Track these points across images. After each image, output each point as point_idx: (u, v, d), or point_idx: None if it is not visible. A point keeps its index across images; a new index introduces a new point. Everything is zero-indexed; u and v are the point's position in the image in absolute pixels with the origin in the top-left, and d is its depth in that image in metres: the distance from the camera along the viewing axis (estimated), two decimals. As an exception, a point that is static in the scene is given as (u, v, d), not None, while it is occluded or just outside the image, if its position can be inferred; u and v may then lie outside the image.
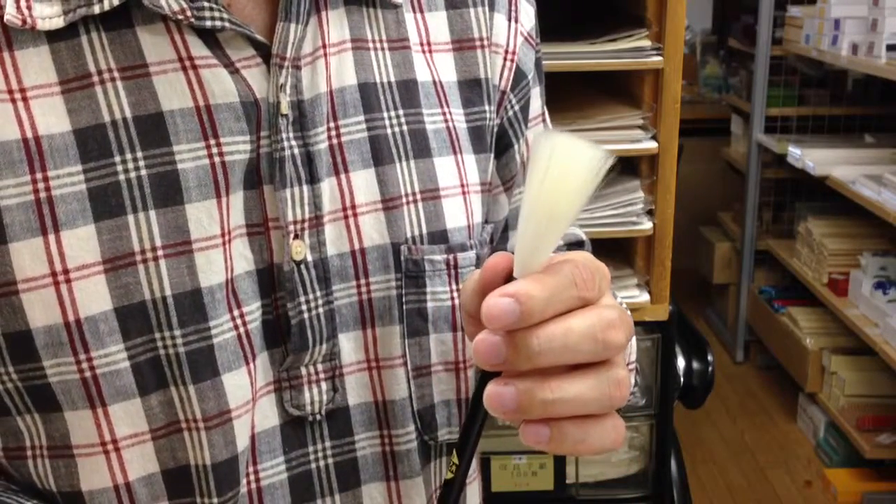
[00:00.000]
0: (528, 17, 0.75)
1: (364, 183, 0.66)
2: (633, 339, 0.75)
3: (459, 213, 0.70)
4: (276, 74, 0.62)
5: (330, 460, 0.68)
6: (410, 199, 0.67)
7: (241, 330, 0.62)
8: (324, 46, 0.65)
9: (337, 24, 0.66)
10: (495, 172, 0.76)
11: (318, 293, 0.64)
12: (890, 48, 2.85)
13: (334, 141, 0.65)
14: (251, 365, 0.63)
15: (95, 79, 0.59)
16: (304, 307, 0.64)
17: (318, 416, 0.67)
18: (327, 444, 0.68)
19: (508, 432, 1.64)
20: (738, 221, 3.96)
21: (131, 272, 0.59)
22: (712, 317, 4.31)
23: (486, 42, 0.72)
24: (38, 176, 0.57)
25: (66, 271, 0.58)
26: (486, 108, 0.72)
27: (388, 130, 0.67)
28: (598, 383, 0.50)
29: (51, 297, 0.58)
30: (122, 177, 0.59)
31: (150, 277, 0.59)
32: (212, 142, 0.60)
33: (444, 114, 0.70)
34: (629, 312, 0.73)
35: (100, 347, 0.59)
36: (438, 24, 0.71)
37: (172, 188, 0.59)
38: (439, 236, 0.68)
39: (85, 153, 0.58)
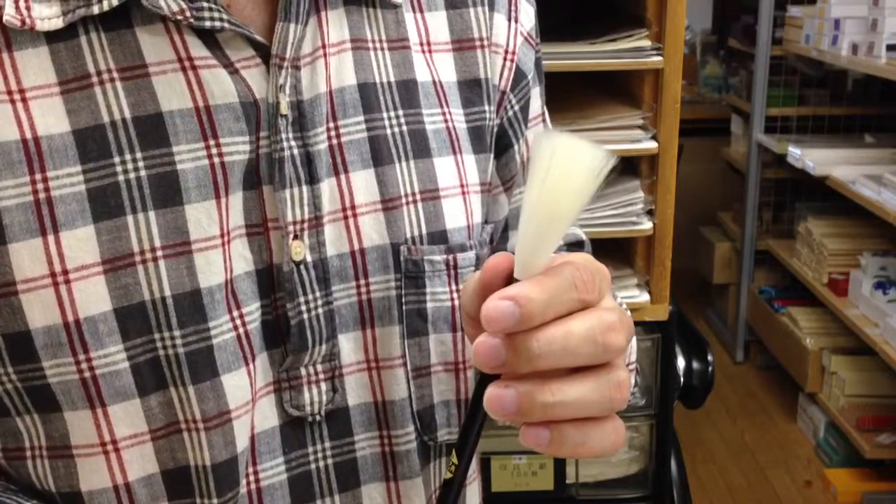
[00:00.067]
0: (527, 16, 0.75)
1: (364, 183, 0.66)
2: (634, 339, 0.75)
3: (459, 214, 0.70)
4: (275, 75, 0.62)
5: (329, 461, 0.68)
6: (410, 199, 0.67)
7: (241, 330, 0.62)
8: (323, 47, 0.65)
9: (336, 25, 0.66)
10: (495, 172, 0.75)
11: (318, 294, 0.64)
12: (890, 48, 2.85)
13: (334, 141, 0.65)
14: (251, 365, 0.63)
15: (95, 79, 0.58)
16: (303, 308, 0.64)
17: (317, 417, 0.67)
18: (327, 444, 0.68)
19: (508, 432, 1.64)
20: (738, 221, 3.96)
21: (131, 273, 0.59)
22: (712, 317, 4.31)
23: (485, 42, 0.72)
24: (38, 177, 0.57)
25: (65, 272, 0.58)
26: (486, 108, 0.72)
27: (388, 131, 0.67)
28: (599, 386, 0.50)
29: (50, 297, 0.58)
30: (121, 177, 0.59)
31: (150, 278, 0.59)
32: (211, 142, 0.60)
33: (443, 114, 0.70)
34: (629, 313, 0.73)
35: (99, 348, 0.59)
36: (438, 24, 0.71)
37: (172, 189, 0.59)
38: (439, 237, 0.68)
39: (84, 154, 0.58)
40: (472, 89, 0.71)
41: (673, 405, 1.74)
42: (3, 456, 0.64)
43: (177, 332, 0.60)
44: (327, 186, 0.64)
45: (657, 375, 1.69)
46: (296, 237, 0.63)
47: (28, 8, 0.57)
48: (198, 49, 0.60)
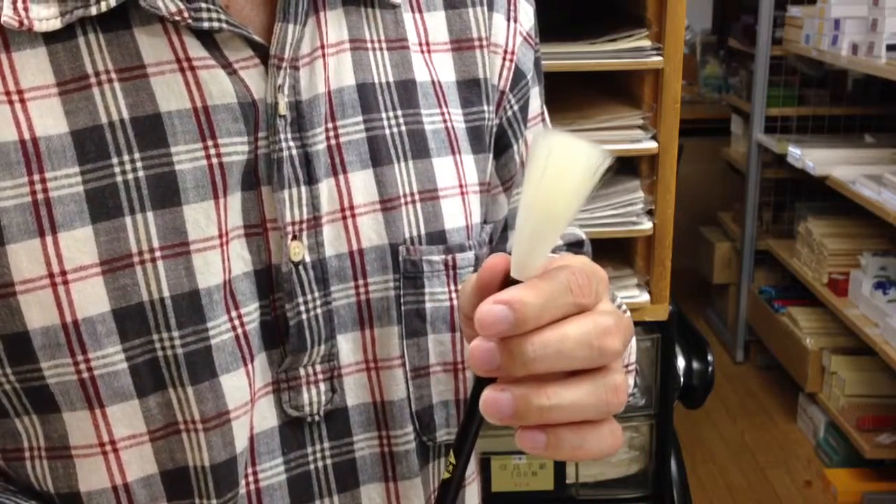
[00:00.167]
0: (527, 16, 0.75)
1: (362, 183, 0.66)
2: (633, 339, 0.75)
3: (458, 214, 0.70)
4: (273, 75, 0.62)
5: (328, 461, 0.68)
6: (409, 199, 0.67)
7: (240, 331, 0.62)
8: (322, 47, 0.64)
9: (335, 25, 0.66)
10: (494, 172, 0.75)
11: (317, 294, 0.64)
12: (890, 48, 2.85)
13: (332, 142, 0.65)
14: (249, 366, 0.63)
15: (93, 80, 0.58)
16: (302, 308, 0.64)
17: (316, 417, 0.67)
18: (326, 444, 0.68)
19: (508, 432, 1.64)
20: (738, 221, 3.96)
21: (129, 273, 0.59)
22: (712, 317, 4.31)
23: (484, 42, 0.72)
24: (36, 177, 0.57)
25: (63, 273, 0.58)
26: (485, 108, 0.72)
27: (387, 131, 0.67)
28: (595, 389, 0.50)
29: (48, 298, 0.58)
30: (119, 178, 0.59)
31: (148, 279, 0.59)
32: (209, 143, 0.60)
33: (442, 114, 0.70)
34: (629, 314, 0.73)
35: (97, 349, 0.59)
36: (437, 24, 0.71)
37: (170, 189, 0.59)
38: (438, 237, 0.68)
39: (82, 155, 0.58)
40: (471, 89, 0.71)
41: (673, 405, 1.74)
42: (1, 457, 0.64)
43: (175, 333, 0.60)
44: (326, 187, 0.64)
45: (657, 375, 1.69)
46: (294, 237, 0.63)
47: (26, 9, 0.57)
48: (196, 50, 0.60)
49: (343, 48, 0.66)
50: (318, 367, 0.66)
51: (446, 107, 0.70)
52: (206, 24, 0.59)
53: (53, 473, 0.63)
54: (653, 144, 1.56)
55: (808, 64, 3.72)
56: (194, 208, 0.60)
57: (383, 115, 0.67)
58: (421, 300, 0.68)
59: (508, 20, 0.73)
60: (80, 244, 0.58)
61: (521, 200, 0.50)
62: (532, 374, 0.49)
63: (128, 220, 0.59)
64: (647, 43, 1.53)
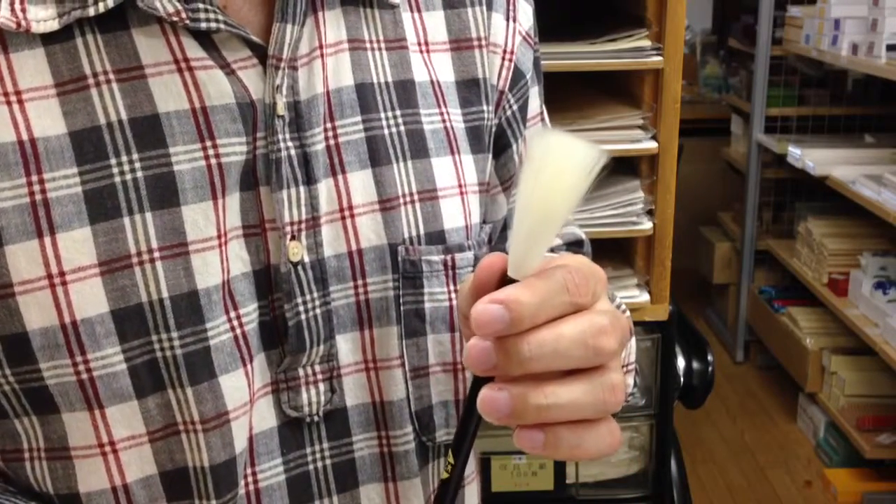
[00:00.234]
0: (526, 16, 0.75)
1: (361, 184, 0.66)
2: (633, 339, 0.75)
3: (457, 214, 0.69)
4: (272, 75, 0.62)
5: (328, 461, 0.68)
6: (408, 199, 0.67)
7: (238, 331, 0.62)
8: (320, 47, 0.64)
9: (334, 25, 0.66)
10: (493, 172, 0.75)
11: (316, 294, 0.64)
12: (890, 48, 2.85)
13: (331, 142, 0.65)
14: (248, 366, 0.63)
15: (91, 81, 0.58)
16: (301, 308, 0.64)
17: (315, 418, 0.67)
18: (325, 445, 0.68)
19: (508, 432, 1.64)
20: (738, 221, 3.96)
21: (127, 274, 0.59)
22: (712, 317, 4.30)
23: (483, 42, 0.72)
24: (34, 178, 0.57)
25: (61, 273, 0.58)
26: (484, 107, 0.72)
27: (386, 131, 0.67)
28: (592, 388, 0.50)
29: (47, 299, 0.58)
30: (117, 179, 0.59)
31: (147, 279, 0.59)
32: (208, 143, 0.60)
33: (441, 114, 0.70)
34: (629, 314, 0.73)
35: (96, 350, 0.59)
36: (436, 23, 0.70)
37: (168, 190, 0.59)
38: (437, 237, 0.68)
39: (81, 155, 0.58)
40: (470, 89, 0.71)
41: (673, 405, 1.74)
42: (1, 458, 0.64)
43: (174, 334, 0.60)
44: (325, 187, 0.64)
45: (657, 375, 1.69)
46: (293, 238, 0.63)
47: (24, 10, 0.57)
48: (194, 50, 0.60)
49: (341, 48, 0.66)
50: (318, 368, 0.66)
51: (445, 107, 0.70)
52: (203, 25, 0.59)
53: (53, 474, 0.63)
54: (653, 144, 1.56)
55: (808, 64, 3.72)
56: (193, 209, 0.60)
57: (382, 115, 0.67)
58: (420, 300, 0.68)
59: (507, 20, 0.73)
60: (78, 245, 0.58)
61: (518, 200, 0.50)
62: (529, 374, 0.49)
63: (126, 220, 0.59)
64: (647, 43, 1.53)
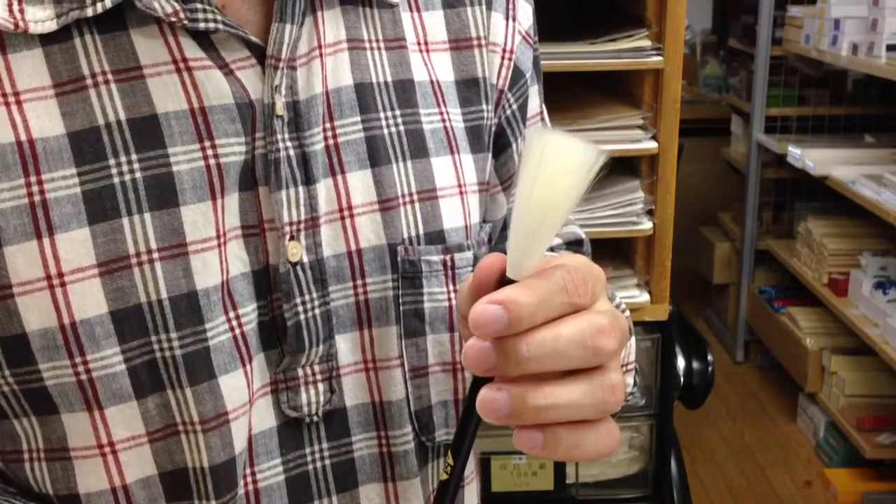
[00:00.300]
0: (525, 15, 0.75)
1: (360, 184, 0.66)
2: (633, 339, 0.75)
3: (457, 214, 0.69)
4: (270, 75, 0.62)
5: (327, 461, 0.68)
6: (407, 199, 0.67)
7: (237, 332, 0.62)
8: (319, 47, 0.64)
9: (333, 25, 0.66)
10: (493, 172, 0.75)
11: (315, 294, 0.64)
12: (890, 48, 2.85)
13: (330, 142, 0.65)
14: (248, 367, 0.63)
15: (89, 81, 0.58)
16: (300, 308, 0.64)
17: (315, 418, 0.66)
18: (324, 445, 0.68)
19: (508, 432, 1.64)
20: (738, 221, 3.96)
21: (126, 275, 0.59)
22: (712, 317, 4.30)
23: (483, 41, 0.72)
24: (33, 179, 0.57)
25: (60, 274, 0.58)
26: (484, 107, 0.72)
27: (385, 131, 0.67)
28: (592, 388, 0.50)
29: (45, 300, 0.58)
30: (116, 179, 0.58)
31: (146, 280, 0.59)
32: (206, 143, 0.60)
33: (441, 114, 0.70)
34: (628, 313, 0.72)
35: (95, 350, 0.59)
36: (435, 23, 0.70)
37: (167, 190, 0.59)
38: (436, 237, 0.68)
39: (79, 156, 0.58)
40: (469, 88, 0.71)
41: (673, 405, 1.74)
42: (1, 458, 0.64)
43: (173, 335, 0.60)
44: (324, 187, 0.64)
45: (657, 375, 1.69)
46: (292, 238, 0.63)
47: (21, 10, 0.57)
48: (192, 50, 0.60)
49: (341, 48, 0.66)
50: (317, 368, 0.66)
51: (445, 106, 0.70)
52: (202, 25, 0.59)
53: (52, 475, 0.63)
54: (653, 144, 1.56)
55: (808, 64, 3.72)
56: (192, 209, 0.60)
57: (381, 114, 0.67)
58: (419, 300, 0.68)
59: (507, 19, 0.73)
60: (77, 246, 0.58)
61: (516, 200, 0.50)
62: (528, 374, 0.49)
63: (125, 221, 0.59)
64: (647, 43, 1.53)
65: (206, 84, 0.60)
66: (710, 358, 1.79)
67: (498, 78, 0.73)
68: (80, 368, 0.59)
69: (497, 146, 0.75)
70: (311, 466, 0.68)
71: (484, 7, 0.72)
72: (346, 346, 0.67)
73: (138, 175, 0.59)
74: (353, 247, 0.65)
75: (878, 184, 2.82)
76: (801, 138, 3.59)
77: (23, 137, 0.57)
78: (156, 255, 0.59)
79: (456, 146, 0.70)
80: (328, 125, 0.65)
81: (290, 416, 0.66)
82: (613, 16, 1.73)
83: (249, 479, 0.65)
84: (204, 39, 0.60)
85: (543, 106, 0.81)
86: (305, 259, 0.63)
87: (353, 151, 0.65)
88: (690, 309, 4.26)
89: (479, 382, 0.51)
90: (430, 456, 0.72)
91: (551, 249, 0.78)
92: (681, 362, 1.73)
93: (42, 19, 0.57)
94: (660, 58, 1.52)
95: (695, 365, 1.77)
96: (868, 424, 2.98)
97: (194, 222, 0.60)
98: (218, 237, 0.61)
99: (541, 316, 0.48)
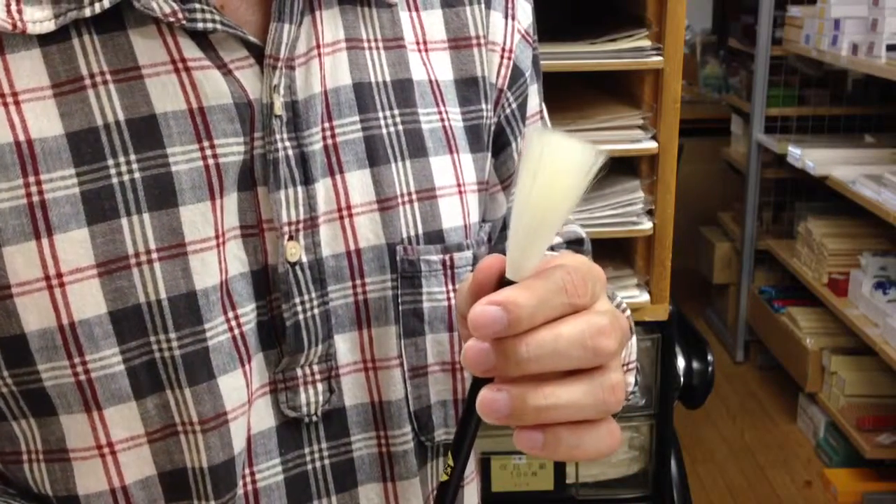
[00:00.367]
0: (525, 14, 0.75)
1: (359, 183, 0.65)
2: (634, 338, 0.75)
3: (456, 213, 0.69)
4: (269, 75, 0.61)
5: (326, 461, 0.68)
6: (406, 199, 0.67)
7: (236, 332, 0.62)
8: (318, 46, 0.64)
9: (331, 24, 0.66)
10: (493, 171, 0.75)
11: (314, 294, 0.64)
12: (890, 48, 2.85)
13: (329, 141, 0.65)
14: (247, 367, 0.63)
15: (88, 82, 0.58)
16: (299, 308, 0.63)
17: (314, 418, 0.66)
18: (323, 445, 0.68)
19: (508, 432, 1.64)
20: (738, 221, 3.96)
21: (125, 275, 0.59)
22: (712, 317, 4.30)
23: (482, 40, 0.72)
24: (31, 179, 0.57)
25: (59, 275, 0.58)
26: (483, 106, 0.72)
27: (384, 130, 0.67)
28: (592, 389, 0.50)
29: (44, 300, 0.58)
30: (115, 180, 0.58)
31: (145, 280, 0.59)
32: (205, 144, 0.60)
33: (440, 113, 0.69)
34: (629, 313, 0.72)
35: (94, 351, 0.59)
36: (434, 22, 0.70)
37: (166, 191, 0.59)
38: (435, 236, 0.68)
39: (78, 156, 0.58)
40: (469, 88, 0.71)
41: (673, 405, 1.74)
42: (0, 460, 0.64)
43: (172, 335, 0.60)
44: (322, 187, 0.64)
45: (657, 375, 1.69)
46: (291, 238, 0.63)
47: (20, 11, 0.57)
48: (191, 50, 0.60)
49: (339, 47, 0.66)
50: (316, 368, 0.66)
51: (444, 106, 0.70)
52: (200, 25, 0.59)
53: (51, 476, 0.63)
54: (653, 144, 1.56)
55: (808, 64, 3.72)
56: (191, 209, 0.60)
57: (380, 114, 0.67)
58: (419, 300, 0.67)
59: (506, 18, 0.73)
60: (76, 246, 0.58)
61: (515, 200, 0.50)
62: (528, 375, 0.49)
63: (124, 221, 0.59)
64: (647, 43, 1.53)
65: (204, 84, 0.60)
66: (710, 358, 1.79)
67: (497, 77, 0.73)
68: (79, 369, 0.59)
69: (496, 145, 0.75)
70: (310, 466, 0.68)
71: (483, 6, 0.72)
72: (345, 346, 0.67)
73: (137, 175, 0.59)
74: (352, 246, 0.65)
75: (878, 184, 2.82)
76: (801, 138, 3.59)
77: (21, 138, 0.57)
78: (155, 256, 0.59)
79: (455, 145, 0.70)
80: (327, 125, 0.64)
81: (289, 416, 0.66)
82: (613, 16, 1.73)
83: (248, 479, 0.65)
84: (202, 39, 0.60)
85: (543, 105, 0.81)
86: (304, 259, 0.63)
87: (351, 151, 0.65)
88: (690, 309, 4.26)
89: (478, 383, 0.51)
90: (429, 456, 0.72)
91: (552, 248, 0.78)
92: (681, 362, 1.73)
93: (40, 20, 0.57)
94: (660, 58, 1.52)
95: (695, 365, 1.77)
96: (868, 424, 2.98)
97: (193, 222, 0.60)
98: (217, 237, 0.60)
99: (540, 316, 0.48)
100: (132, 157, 0.59)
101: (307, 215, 0.63)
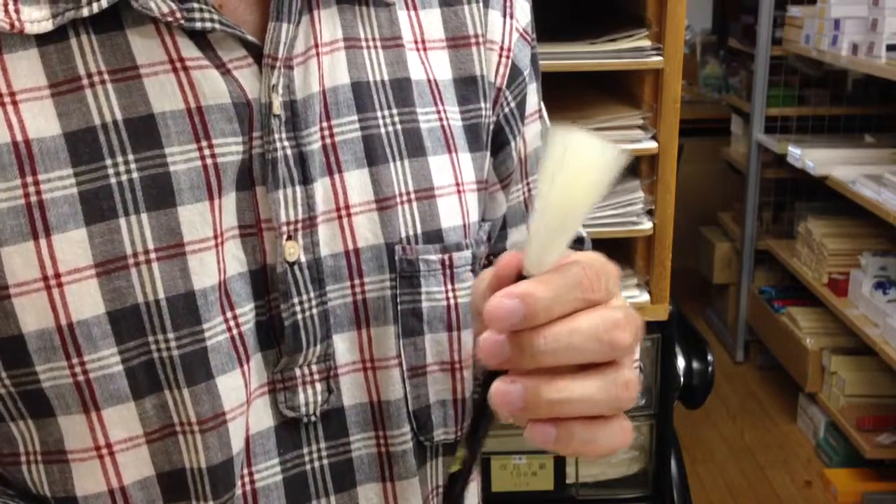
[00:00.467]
0: (523, 12, 0.75)
1: (358, 183, 0.65)
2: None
3: (455, 213, 0.69)
4: (267, 75, 0.61)
5: (325, 461, 0.68)
6: (405, 198, 0.67)
7: (235, 332, 0.62)
8: (316, 46, 0.64)
9: (329, 24, 0.65)
10: (492, 170, 0.75)
11: (312, 294, 0.64)
12: (890, 48, 2.85)
13: (327, 141, 0.65)
14: (245, 367, 0.63)
15: (85, 82, 0.58)
16: (297, 308, 0.63)
17: (312, 418, 0.66)
18: (322, 445, 0.67)
19: (508, 432, 1.64)
20: (738, 221, 3.96)
21: (124, 276, 0.59)
22: (712, 317, 4.30)
23: (481, 39, 0.72)
24: (29, 179, 0.57)
25: (57, 275, 0.58)
26: (482, 105, 0.72)
27: (382, 130, 0.67)
28: (606, 384, 0.50)
29: (42, 301, 0.58)
30: (113, 180, 0.58)
31: (143, 281, 0.59)
32: (203, 143, 0.60)
33: (438, 112, 0.69)
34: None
35: (93, 351, 0.59)
36: (432, 21, 0.70)
37: (164, 191, 0.59)
38: (434, 236, 0.68)
39: (76, 156, 0.58)
40: (467, 87, 0.71)
41: (673, 405, 1.74)
42: (-2, 460, 0.64)
43: (171, 335, 0.60)
44: (321, 186, 0.64)
45: (657, 375, 1.70)
46: (289, 238, 0.63)
47: (17, 11, 0.57)
48: (189, 50, 0.59)
49: (337, 47, 0.66)
50: (315, 368, 0.66)
51: (442, 105, 0.70)
52: (198, 25, 0.59)
53: (50, 478, 0.62)
54: (653, 144, 1.56)
55: (808, 64, 3.72)
56: (189, 209, 0.59)
57: (378, 113, 0.67)
58: (417, 299, 0.67)
59: (504, 16, 0.73)
60: (74, 246, 0.58)
61: (537, 197, 0.50)
62: (542, 367, 0.49)
63: (122, 221, 0.58)
64: (647, 43, 1.53)
65: (202, 84, 0.60)
66: (710, 358, 1.79)
67: (496, 76, 0.73)
68: (78, 369, 0.59)
69: (495, 144, 0.75)
70: (308, 466, 0.67)
71: (481, 5, 0.72)
72: (343, 346, 0.66)
73: (135, 175, 0.59)
74: (351, 246, 0.65)
75: (878, 184, 2.82)
76: (801, 138, 3.59)
77: (19, 138, 0.57)
78: (153, 256, 0.59)
79: (453, 145, 0.70)
80: (325, 124, 0.64)
81: (287, 416, 0.66)
82: (613, 16, 1.73)
83: (247, 479, 0.65)
84: (201, 39, 0.60)
85: (542, 104, 0.81)
86: (303, 258, 0.63)
87: (350, 150, 0.65)
88: (690, 309, 4.27)
89: (492, 376, 0.51)
90: (428, 455, 0.72)
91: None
92: (681, 362, 1.73)
93: (38, 19, 0.57)
94: (660, 58, 1.52)
95: (695, 365, 1.77)
96: (868, 424, 2.99)
97: (191, 222, 0.59)
98: (215, 237, 0.60)
99: (557, 310, 0.48)
100: (130, 156, 0.58)
101: (306, 215, 0.63)
